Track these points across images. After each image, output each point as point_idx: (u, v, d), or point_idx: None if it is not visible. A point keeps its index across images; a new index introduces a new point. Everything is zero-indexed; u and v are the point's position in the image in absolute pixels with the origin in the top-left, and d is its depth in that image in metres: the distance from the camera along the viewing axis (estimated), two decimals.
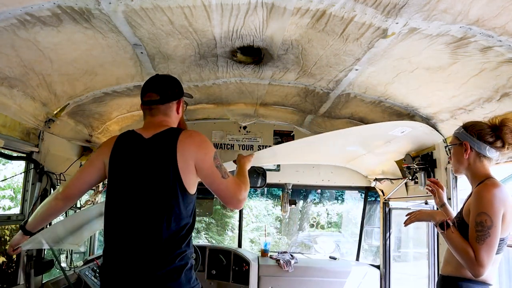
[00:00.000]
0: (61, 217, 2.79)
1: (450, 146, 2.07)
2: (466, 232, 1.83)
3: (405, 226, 2.10)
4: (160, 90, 1.88)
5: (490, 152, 1.92)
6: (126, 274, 1.66)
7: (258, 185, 4.11)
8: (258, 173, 4.01)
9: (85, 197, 3.47)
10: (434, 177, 2.98)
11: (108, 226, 1.77)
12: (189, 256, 1.74)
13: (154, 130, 1.81)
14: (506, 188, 1.87)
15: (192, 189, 1.77)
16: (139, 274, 1.64)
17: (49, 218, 2.01)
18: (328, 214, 13.50)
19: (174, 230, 1.68)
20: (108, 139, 1.92)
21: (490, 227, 1.75)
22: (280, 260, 4.21)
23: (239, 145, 4.61)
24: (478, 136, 1.93)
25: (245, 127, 4.61)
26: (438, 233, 2.90)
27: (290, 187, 4.62)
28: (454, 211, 2.72)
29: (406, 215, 2.10)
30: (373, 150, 3.53)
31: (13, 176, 5.49)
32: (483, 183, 1.89)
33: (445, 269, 2.00)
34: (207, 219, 10.82)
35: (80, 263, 3.52)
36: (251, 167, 2.35)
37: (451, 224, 1.87)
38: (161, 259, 1.65)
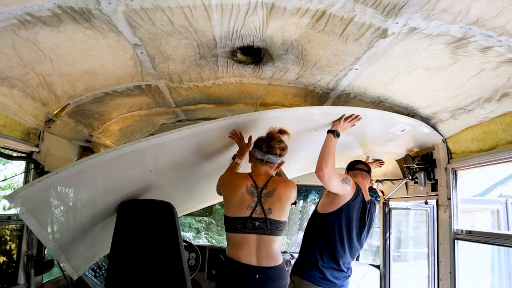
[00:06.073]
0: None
1: None
2: None
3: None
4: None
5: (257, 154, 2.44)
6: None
7: None
8: None
9: None
10: (434, 177, 2.99)
11: (335, 252, 2.68)
12: None
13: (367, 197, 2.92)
14: (228, 175, 2.53)
15: None
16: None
17: None
18: None
19: None
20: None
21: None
22: None
23: None
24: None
25: None
26: (437, 232, 2.91)
27: None
28: (454, 211, 2.74)
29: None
30: (374, 150, 3.52)
31: (13, 176, 5.49)
32: None
33: None
34: (207, 219, 10.82)
35: None
36: None
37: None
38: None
